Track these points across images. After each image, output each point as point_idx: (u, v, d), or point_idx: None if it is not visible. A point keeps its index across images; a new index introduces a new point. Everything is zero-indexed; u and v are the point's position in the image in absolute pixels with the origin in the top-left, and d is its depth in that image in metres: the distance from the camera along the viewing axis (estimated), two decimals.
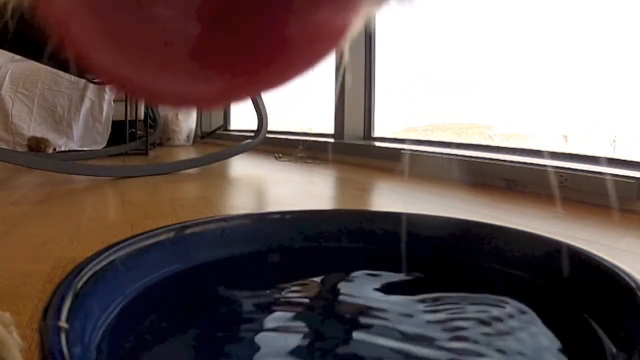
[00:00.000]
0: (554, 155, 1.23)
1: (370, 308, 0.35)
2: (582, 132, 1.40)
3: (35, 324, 0.39)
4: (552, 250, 0.37)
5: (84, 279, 0.29)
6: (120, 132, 2.37)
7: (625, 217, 0.87)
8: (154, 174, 1.44)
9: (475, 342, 0.30)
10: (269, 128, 1.72)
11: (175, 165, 1.58)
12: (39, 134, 2.29)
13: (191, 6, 0.16)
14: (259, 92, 0.18)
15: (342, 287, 0.39)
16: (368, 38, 1.92)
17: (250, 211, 0.85)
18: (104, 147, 2.34)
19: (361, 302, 0.36)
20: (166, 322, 0.34)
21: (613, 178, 0.94)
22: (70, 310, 0.26)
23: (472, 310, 0.34)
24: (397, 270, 0.41)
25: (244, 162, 1.86)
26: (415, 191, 1.18)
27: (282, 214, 0.47)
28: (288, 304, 0.36)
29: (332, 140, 2.03)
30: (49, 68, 2.15)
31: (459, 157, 1.35)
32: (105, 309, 0.31)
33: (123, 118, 2.36)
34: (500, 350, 0.29)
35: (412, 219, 0.44)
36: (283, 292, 0.38)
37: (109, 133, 2.42)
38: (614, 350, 0.28)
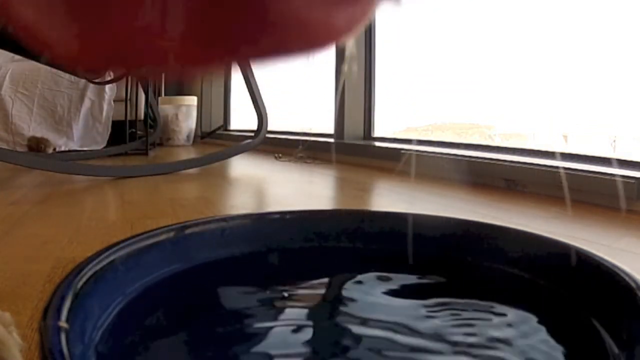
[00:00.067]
0: (554, 155, 1.23)
1: (373, 310, 0.35)
2: (582, 132, 1.40)
3: (35, 324, 0.39)
4: (553, 250, 0.37)
5: (84, 279, 0.29)
6: (120, 132, 2.37)
7: (625, 217, 0.87)
8: (154, 174, 1.44)
9: (480, 346, 0.30)
10: (269, 128, 1.72)
11: (175, 165, 1.58)
12: (39, 134, 2.29)
13: None
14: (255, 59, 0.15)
15: (344, 288, 0.39)
16: (368, 38, 1.92)
17: (250, 211, 0.85)
18: (104, 147, 2.34)
19: (363, 303, 0.36)
20: (166, 322, 0.34)
21: (613, 178, 0.94)
22: (70, 310, 0.26)
23: (473, 315, 0.34)
24: (399, 271, 0.41)
25: (244, 162, 1.86)
26: (415, 191, 1.18)
27: (282, 214, 0.47)
28: (288, 304, 0.36)
29: (332, 140, 2.03)
30: (49, 68, 2.15)
31: (459, 157, 1.35)
32: (105, 309, 0.31)
33: (123, 118, 2.36)
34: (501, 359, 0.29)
35: (415, 219, 0.44)
36: (283, 293, 0.38)
37: (109, 133, 2.42)
38: (616, 350, 0.28)
